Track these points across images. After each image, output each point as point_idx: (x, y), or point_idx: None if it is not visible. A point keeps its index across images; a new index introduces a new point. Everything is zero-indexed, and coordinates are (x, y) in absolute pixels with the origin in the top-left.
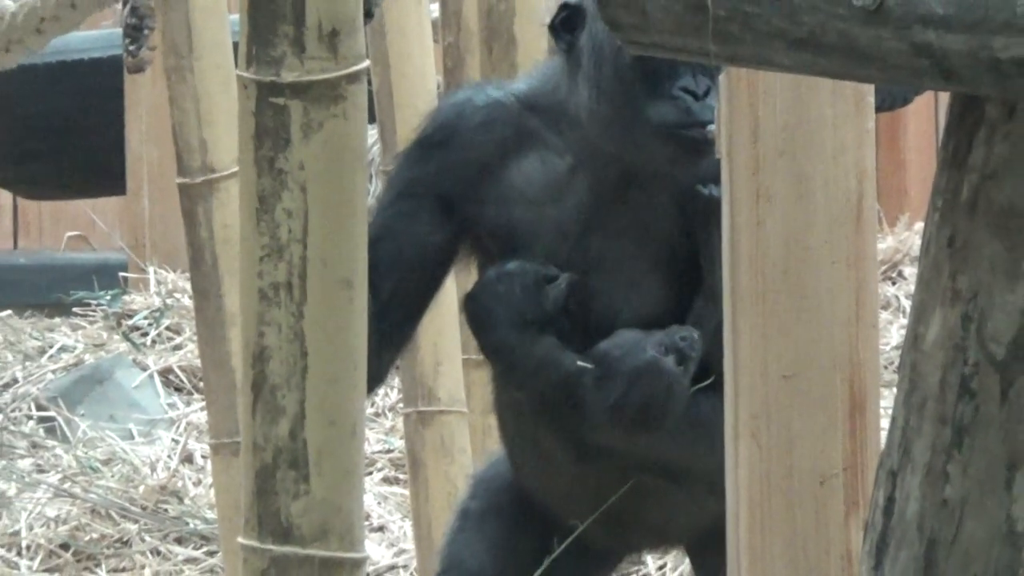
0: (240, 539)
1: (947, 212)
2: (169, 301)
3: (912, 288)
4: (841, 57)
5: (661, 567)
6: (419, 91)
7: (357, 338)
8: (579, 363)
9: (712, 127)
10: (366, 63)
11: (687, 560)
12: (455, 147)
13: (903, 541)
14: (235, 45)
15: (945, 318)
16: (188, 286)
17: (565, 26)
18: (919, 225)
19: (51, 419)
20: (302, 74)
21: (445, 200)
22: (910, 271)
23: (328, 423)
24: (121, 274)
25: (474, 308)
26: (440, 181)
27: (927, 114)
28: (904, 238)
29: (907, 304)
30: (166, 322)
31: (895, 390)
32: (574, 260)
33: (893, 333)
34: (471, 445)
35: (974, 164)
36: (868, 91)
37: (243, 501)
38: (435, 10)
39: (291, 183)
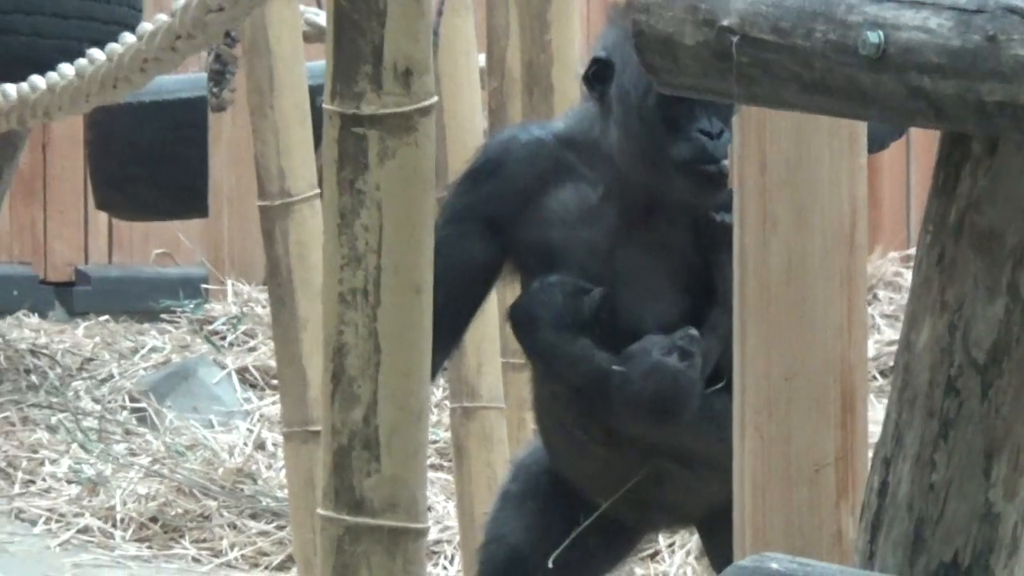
0: (319, 510)
1: (937, 234)
2: (244, 309)
3: (885, 308)
4: (847, 99)
5: (671, 544)
6: (468, 130)
7: (423, 337)
8: (614, 367)
9: (726, 162)
10: (435, 99)
11: (695, 537)
12: (502, 177)
13: (895, 519)
14: (309, 88)
15: (934, 326)
16: (261, 297)
17: (596, 77)
18: (892, 254)
19: (143, 410)
20: (379, 108)
21: (492, 222)
22: (883, 293)
23: (397, 410)
24: (203, 286)
25: (520, 314)
26: (489, 206)
27: (900, 159)
28: (878, 265)
29: (881, 322)
30: (242, 328)
31: (876, 393)
32: (604, 275)
33: (870, 346)
34: (508, 436)
35: (961, 193)
36: (861, 132)
37: (321, 477)
38: (482, 60)
39: (368, 202)
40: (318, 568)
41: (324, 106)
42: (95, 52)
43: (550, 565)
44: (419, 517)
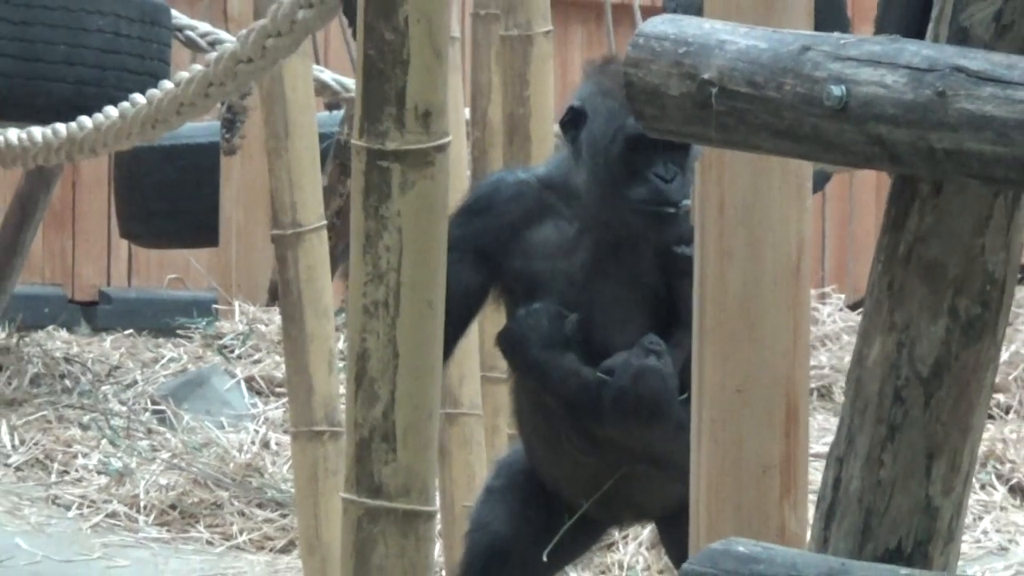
0: (342, 494)
1: (888, 264)
2: (251, 327)
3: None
4: (813, 144)
5: (625, 536)
6: (455, 174)
7: (435, 345)
8: (597, 374)
9: (687, 202)
10: (450, 138)
11: (646, 530)
12: (491, 214)
13: (847, 510)
14: (320, 135)
15: (883, 343)
16: (265, 316)
17: (571, 124)
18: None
19: (162, 412)
20: (401, 144)
21: (482, 253)
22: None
23: (412, 408)
24: (214, 306)
25: (510, 336)
26: (479, 239)
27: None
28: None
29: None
30: (249, 343)
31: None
32: (580, 302)
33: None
34: (484, 440)
35: (909, 228)
36: (808, 178)
37: (344, 465)
38: (466, 112)
39: (390, 226)
40: (318, 551)
41: (353, 141)
42: (137, 96)
43: (544, 559)
44: (430, 501)
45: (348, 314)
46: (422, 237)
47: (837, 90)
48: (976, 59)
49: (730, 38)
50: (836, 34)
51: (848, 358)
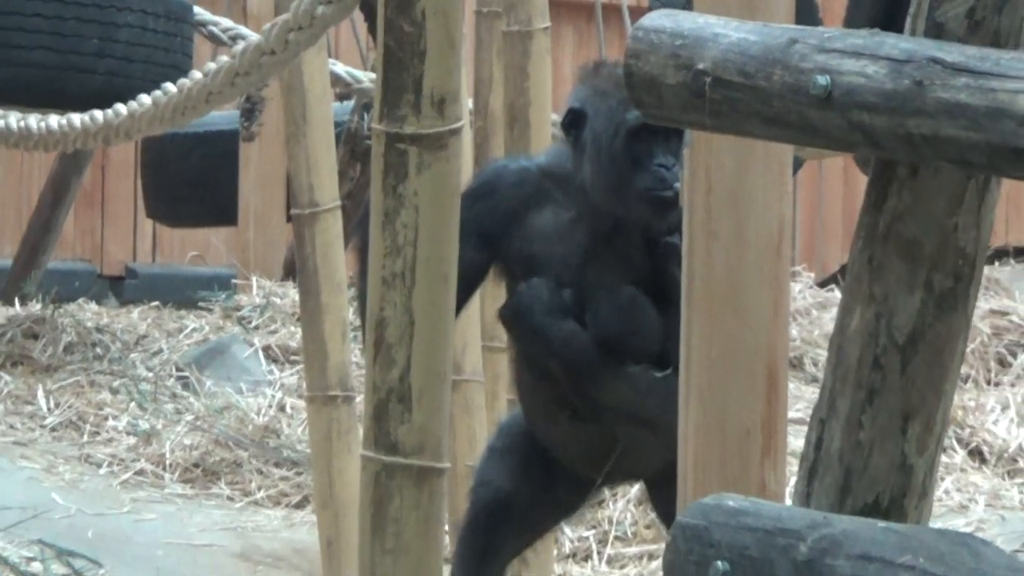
0: (361, 451)
1: (868, 241)
2: (267, 300)
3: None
4: (799, 131)
5: (615, 494)
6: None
7: (448, 314)
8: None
9: (678, 185)
10: (463, 122)
11: (634, 489)
12: (494, 198)
13: (828, 469)
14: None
15: (863, 314)
16: (280, 291)
17: (572, 124)
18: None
19: (186, 378)
20: (418, 128)
21: (485, 235)
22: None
23: (426, 372)
24: (233, 281)
25: (515, 306)
26: (482, 221)
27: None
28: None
29: None
30: (266, 314)
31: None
32: (575, 283)
33: None
34: (485, 405)
35: (888, 208)
36: (788, 164)
37: (364, 425)
38: (470, 102)
39: (407, 204)
40: (331, 505)
41: (373, 126)
42: (168, 85)
43: (549, 527)
44: (442, 458)
45: (368, 286)
46: (437, 214)
47: (822, 80)
48: (951, 52)
49: (723, 31)
50: (821, 28)
51: (817, 332)
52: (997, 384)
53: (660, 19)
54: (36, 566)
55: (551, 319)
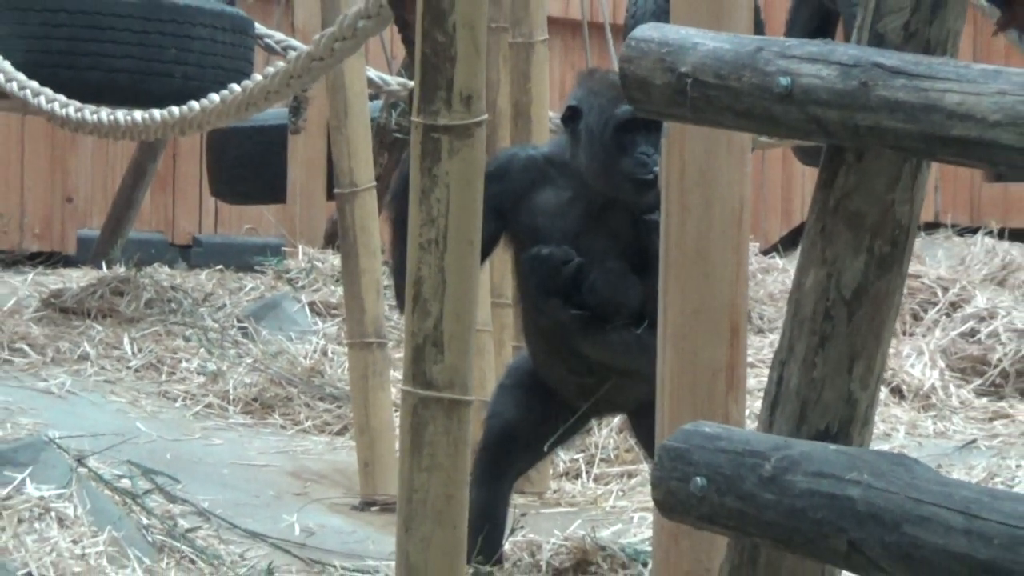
0: (401, 387)
1: (820, 213)
2: (312, 264)
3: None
4: (764, 123)
5: (600, 424)
6: None
7: (473, 274)
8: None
9: (657, 169)
10: (486, 116)
11: (616, 419)
12: (506, 180)
13: (787, 401)
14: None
15: (816, 274)
16: (322, 256)
17: (570, 119)
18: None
19: (245, 328)
20: (449, 120)
21: (498, 210)
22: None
23: (456, 321)
24: (282, 248)
25: (529, 264)
26: (495, 199)
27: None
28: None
29: None
30: (311, 276)
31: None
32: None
33: None
34: (493, 351)
35: (837, 186)
36: (747, 151)
37: (403, 365)
38: None
39: (440, 183)
40: (367, 432)
41: (412, 118)
42: (234, 86)
43: (545, 450)
44: (468, 392)
45: (408, 251)
46: (464, 191)
47: (784, 81)
48: (890, 58)
49: (701, 41)
50: (783, 38)
51: (762, 291)
52: (912, 335)
53: (649, 31)
54: (125, 482)
55: (542, 292)
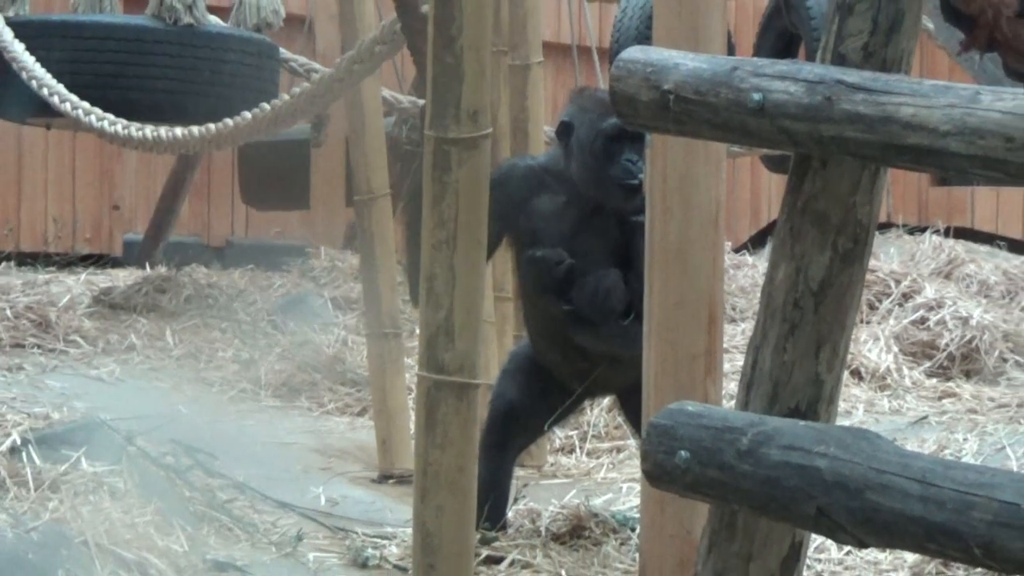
0: (416, 372)
1: (790, 214)
2: (333, 264)
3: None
4: (739, 134)
5: (591, 403)
6: None
7: (481, 271)
8: (564, 307)
9: (642, 175)
10: (491, 130)
11: (606, 400)
12: (507, 187)
13: (761, 382)
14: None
15: (786, 268)
16: (342, 256)
17: (563, 132)
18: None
19: (275, 320)
20: (458, 134)
21: (500, 214)
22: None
23: (465, 313)
24: (306, 250)
25: (527, 265)
26: (498, 204)
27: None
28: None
29: None
30: (332, 274)
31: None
32: (567, 250)
33: None
34: (496, 340)
35: (804, 190)
36: (722, 160)
37: (419, 351)
38: None
39: (450, 190)
40: (384, 414)
41: (425, 132)
42: (264, 104)
43: (544, 428)
44: (476, 376)
45: (422, 250)
46: (472, 197)
47: (757, 96)
48: (851, 75)
49: (682, 62)
50: (755, 58)
51: (734, 285)
52: (868, 323)
53: (635, 53)
54: (169, 459)
55: (538, 290)
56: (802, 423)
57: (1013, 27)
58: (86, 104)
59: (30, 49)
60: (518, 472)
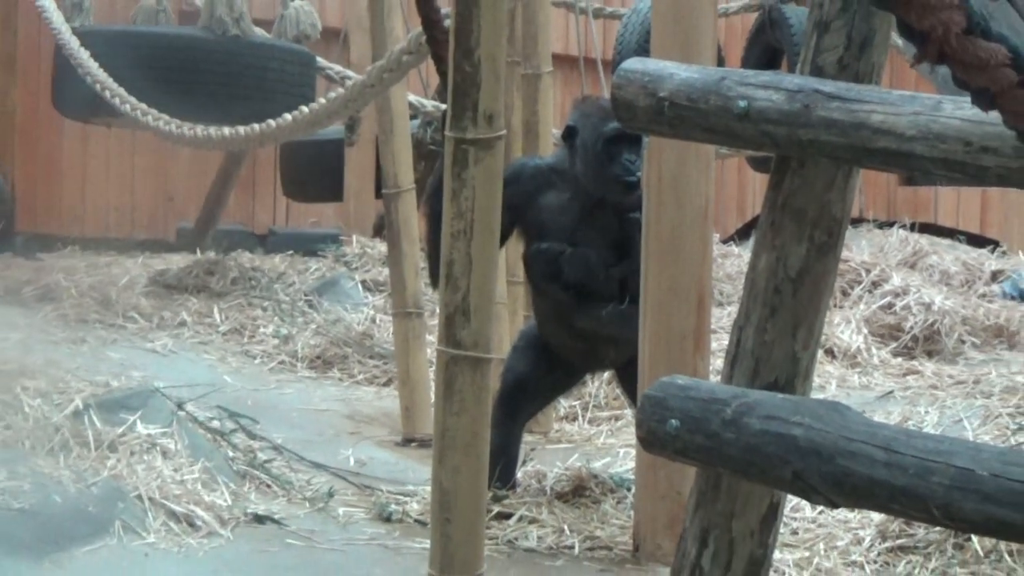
0: (436, 347)
1: (771, 209)
2: (363, 250)
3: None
4: (726, 137)
5: (592, 378)
6: None
7: (494, 258)
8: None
9: (640, 174)
10: (505, 132)
11: (606, 374)
12: (518, 184)
13: (744, 359)
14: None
15: (768, 258)
16: (371, 243)
17: (568, 135)
18: None
19: (311, 300)
20: (475, 135)
21: (511, 208)
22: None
23: (480, 295)
24: (340, 237)
25: (532, 258)
26: (510, 199)
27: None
28: None
29: None
30: (363, 259)
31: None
32: (569, 242)
33: None
34: (508, 320)
35: (784, 188)
36: (711, 160)
37: (438, 329)
38: None
39: (468, 185)
40: (408, 384)
41: (446, 133)
42: (303, 107)
43: (550, 398)
44: (490, 351)
45: (442, 238)
46: (487, 191)
47: (742, 103)
48: (828, 85)
49: (676, 71)
50: (741, 69)
51: (721, 272)
52: (841, 307)
53: (634, 64)
54: (216, 423)
55: (543, 278)
56: (780, 396)
57: (961, 42)
58: (144, 106)
59: (94, 56)
60: (526, 437)
